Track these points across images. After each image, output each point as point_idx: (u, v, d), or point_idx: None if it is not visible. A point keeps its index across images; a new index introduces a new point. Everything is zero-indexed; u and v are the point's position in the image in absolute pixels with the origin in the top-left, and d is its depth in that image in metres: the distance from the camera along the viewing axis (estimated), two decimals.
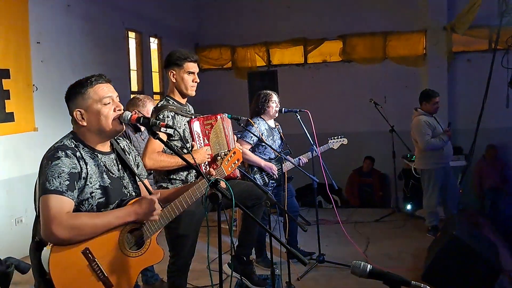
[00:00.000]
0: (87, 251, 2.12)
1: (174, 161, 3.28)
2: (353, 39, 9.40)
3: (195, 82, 3.46)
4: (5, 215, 5.36)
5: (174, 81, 3.46)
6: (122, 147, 2.50)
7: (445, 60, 8.91)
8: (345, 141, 5.39)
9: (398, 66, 9.20)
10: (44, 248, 2.13)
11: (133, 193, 2.42)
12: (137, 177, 2.47)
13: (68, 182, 2.13)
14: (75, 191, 2.16)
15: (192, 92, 3.48)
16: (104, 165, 2.31)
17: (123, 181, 2.39)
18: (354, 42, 9.41)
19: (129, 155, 2.52)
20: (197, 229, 3.45)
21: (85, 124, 2.27)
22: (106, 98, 2.27)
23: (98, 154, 2.31)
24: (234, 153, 2.96)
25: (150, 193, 2.44)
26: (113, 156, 2.40)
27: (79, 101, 2.26)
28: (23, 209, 5.46)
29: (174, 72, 3.45)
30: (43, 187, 2.11)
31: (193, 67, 3.44)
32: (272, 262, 3.78)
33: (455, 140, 7.49)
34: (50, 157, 2.17)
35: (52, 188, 2.09)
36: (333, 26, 9.36)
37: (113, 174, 2.34)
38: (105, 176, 2.28)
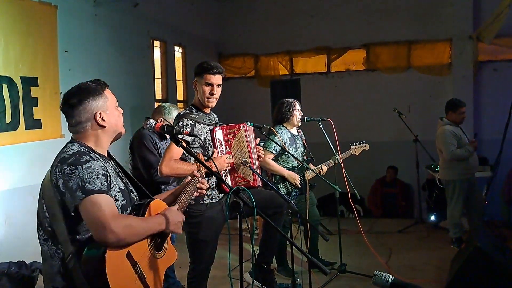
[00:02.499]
0: (130, 255, 2.08)
1: (190, 168, 3.29)
2: (377, 48, 9.32)
3: (212, 94, 3.46)
4: (31, 221, 5.42)
5: (196, 90, 3.53)
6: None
7: (470, 69, 8.75)
8: (366, 146, 5.28)
9: (422, 75, 9.08)
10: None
11: (137, 197, 2.38)
12: (135, 181, 2.43)
13: (106, 183, 2.09)
14: (111, 191, 2.13)
15: (209, 103, 3.49)
16: (115, 169, 2.29)
17: (128, 185, 2.36)
18: (378, 51, 9.34)
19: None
20: (217, 235, 3.47)
21: (105, 125, 2.24)
22: (116, 101, 2.30)
23: (107, 160, 2.28)
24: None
25: (148, 195, 2.43)
26: (113, 162, 2.35)
27: (99, 102, 2.22)
28: None
29: (196, 82, 3.52)
30: (85, 189, 2.01)
31: (211, 79, 3.45)
32: (293, 271, 3.78)
33: (480, 151, 7.36)
34: (75, 161, 2.08)
35: (96, 188, 2.02)
36: (356, 35, 9.32)
37: (122, 178, 2.31)
38: (119, 180, 2.26)
